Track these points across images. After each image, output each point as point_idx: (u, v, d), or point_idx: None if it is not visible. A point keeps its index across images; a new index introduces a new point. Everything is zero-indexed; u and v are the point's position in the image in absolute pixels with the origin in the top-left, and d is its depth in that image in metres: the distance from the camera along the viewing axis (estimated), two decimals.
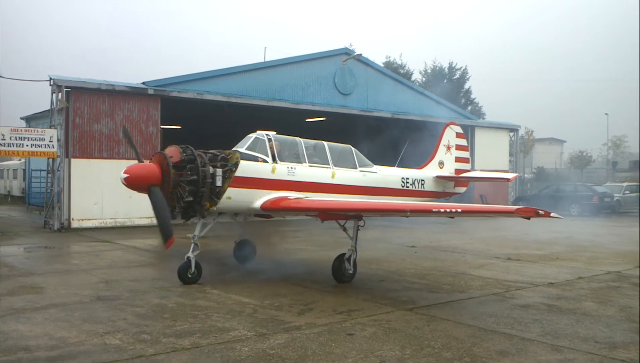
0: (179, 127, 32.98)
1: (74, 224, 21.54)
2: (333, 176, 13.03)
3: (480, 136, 35.15)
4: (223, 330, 7.75)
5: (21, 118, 35.09)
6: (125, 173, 10.26)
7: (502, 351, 7.04)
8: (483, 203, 30.36)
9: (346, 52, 30.00)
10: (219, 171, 11.04)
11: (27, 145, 20.50)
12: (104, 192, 21.69)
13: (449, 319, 8.61)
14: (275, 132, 12.68)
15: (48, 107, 23.30)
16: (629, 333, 8.02)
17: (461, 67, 61.41)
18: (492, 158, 34.50)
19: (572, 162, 69.53)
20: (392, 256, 15.43)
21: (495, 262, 14.52)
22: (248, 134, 12.43)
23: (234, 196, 11.27)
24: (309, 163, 12.66)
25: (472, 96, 61.75)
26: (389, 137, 28.22)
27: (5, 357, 6.55)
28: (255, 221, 14.37)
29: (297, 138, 12.98)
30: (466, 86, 61.34)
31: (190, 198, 10.68)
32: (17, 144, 20.34)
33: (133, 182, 10.37)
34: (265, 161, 11.87)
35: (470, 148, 31.87)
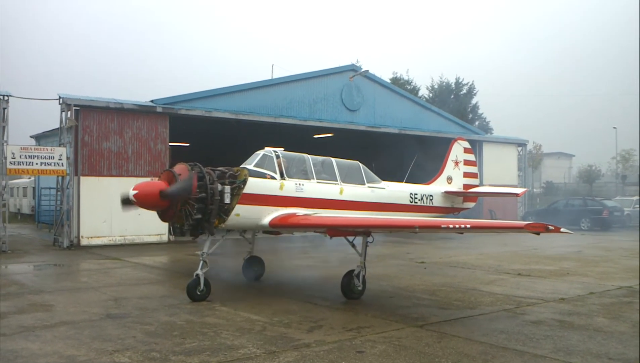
0: (187, 144, 33.13)
1: (83, 241, 21.60)
2: (341, 193, 13.03)
3: (488, 151, 35.09)
4: (232, 348, 7.72)
5: (31, 136, 35.34)
6: (134, 189, 10.29)
7: None
8: (492, 218, 30.23)
9: (353, 69, 30.14)
10: (228, 189, 11.06)
11: (36, 163, 20.60)
12: (113, 209, 21.68)
13: (460, 336, 8.54)
14: (283, 149, 12.70)
15: (57, 126, 23.47)
16: None
17: (468, 83, 61.46)
18: (500, 173, 34.41)
19: (581, 176, 69.18)
20: (401, 272, 15.36)
21: (505, 278, 14.42)
22: (256, 151, 12.47)
23: (242, 213, 11.28)
24: (317, 179, 12.68)
25: (480, 111, 61.73)
26: (396, 153, 28.26)
27: None
28: (263, 237, 14.37)
29: (305, 155, 13.00)
30: (473, 101, 61.33)
31: (199, 216, 10.70)
32: (26, 162, 20.44)
33: (142, 199, 10.40)
34: (273, 177, 11.89)
35: (479, 163, 31.81)
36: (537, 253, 20.39)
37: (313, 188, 12.49)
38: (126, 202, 10.65)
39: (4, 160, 20.09)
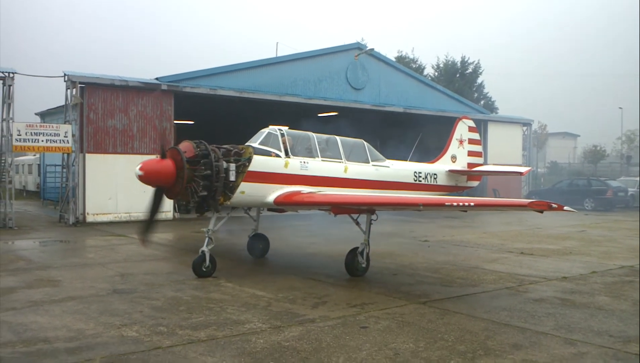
0: (192, 122, 33.13)
1: (89, 218, 21.75)
2: (345, 171, 13.08)
3: (493, 131, 35.03)
4: (238, 323, 7.84)
5: (36, 114, 35.39)
6: (140, 169, 10.35)
7: (516, 344, 7.07)
8: (496, 197, 30.25)
9: (358, 47, 30.00)
10: (233, 166, 11.12)
11: (42, 140, 20.68)
12: (118, 187, 21.89)
13: (463, 313, 8.64)
14: (287, 127, 12.73)
15: (62, 103, 23.49)
16: None
17: (474, 62, 61.05)
18: (505, 153, 34.35)
19: (585, 156, 69.02)
20: (404, 250, 15.47)
21: (508, 256, 14.51)
22: (260, 129, 12.50)
23: (247, 190, 11.36)
24: (321, 157, 12.72)
25: (485, 91, 61.41)
26: (401, 131, 28.22)
27: (26, 347, 6.67)
28: (268, 215, 14.46)
29: (310, 133, 13.03)
30: (479, 81, 60.98)
31: (204, 193, 10.77)
32: (32, 139, 20.52)
33: (148, 177, 10.48)
34: (278, 155, 11.93)
35: (483, 142, 31.75)
36: (540, 232, 20.46)
37: (318, 166, 12.54)
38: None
39: (9, 137, 20.17)
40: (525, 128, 37.93)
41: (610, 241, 18.12)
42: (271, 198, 11.72)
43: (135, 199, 21.77)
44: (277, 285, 10.46)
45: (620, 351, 6.89)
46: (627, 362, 6.53)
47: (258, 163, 11.47)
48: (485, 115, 36.35)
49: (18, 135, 20.20)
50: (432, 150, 18.63)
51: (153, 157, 11.26)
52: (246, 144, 12.00)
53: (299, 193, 11.85)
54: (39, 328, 7.49)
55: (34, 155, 37.86)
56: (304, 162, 12.32)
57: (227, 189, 11.10)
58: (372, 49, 29.72)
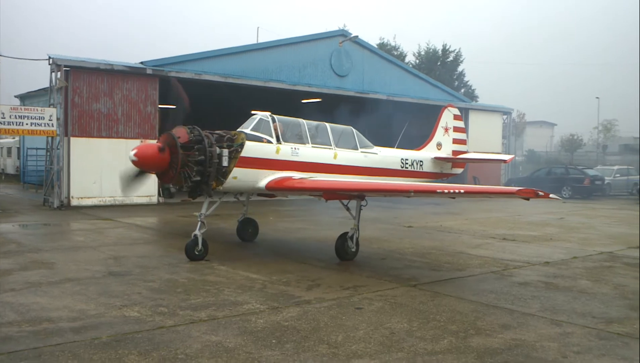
0: (175, 106, 32.97)
1: (74, 202, 21.72)
2: (335, 157, 13.30)
3: (474, 119, 35.47)
4: (236, 304, 8.06)
5: (15, 96, 35.02)
6: (134, 154, 10.46)
7: (505, 325, 7.39)
8: (476, 184, 30.72)
9: (342, 34, 30.13)
10: (225, 152, 11.27)
11: (26, 123, 20.56)
12: (103, 170, 21.86)
13: (452, 295, 8.96)
14: (270, 113, 12.87)
15: (43, 86, 23.33)
16: (623, 309, 8.40)
17: (455, 50, 61.54)
18: (485, 141, 34.82)
19: (562, 145, 70.10)
20: (390, 236, 15.78)
21: (491, 242, 14.89)
22: (244, 115, 12.62)
23: (239, 175, 11.53)
24: (311, 143, 12.92)
25: (466, 79, 61.99)
26: (384, 118, 28.48)
27: (32, 327, 6.82)
28: (257, 200, 14.63)
29: (300, 119, 13.22)
30: (460, 69, 61.51)
31: (198, 178, 10.91)
32: (16, 123, 20.40)
33: (142, 162, 10.60)
34: (269, 141, 12.11)
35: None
36: (521, 219, 20.94)
37: (308, 152, 12.75)
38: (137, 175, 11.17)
39: None
40: (505, 117, 38.46)
41: (588, 228, 18.63)
42: (263, 183, 11.91)
43: (119, 183, 21.78)
44: (269, 268, 10.68)
45: (603, 331, 7.25)
46: (610, 340, 6.88)
47: (250, 149, 11.65)
48: (466, 103, 36.77)
49: (2, 118, 20.08)
50: (414, 137, 18.89)
51: (138, 142, 11.35)
52: (238, 130, 12.14)
53: (290, 178, 12.05)
54: (40, 309, 7.63)
55: (13, 138, 37.48)
56: (295, 148, 12.52)
57: (220, 175, 11.26)
58: (357, 36, 29.89)
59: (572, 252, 13.49)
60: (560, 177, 35.09)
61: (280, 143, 12.29)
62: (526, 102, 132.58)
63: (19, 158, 36.76)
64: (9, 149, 40.33)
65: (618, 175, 38.13)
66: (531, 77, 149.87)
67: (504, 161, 21.12)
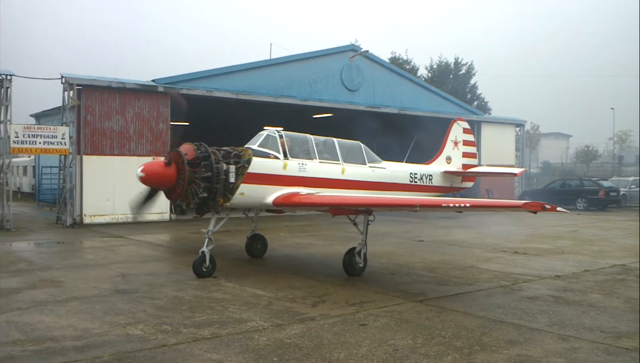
0: (187, 124, 33.23)
1: (86, 220, 21.88)
2: (343, 172, 13.28)
3: (486, 132, 35.37)
4: (240, 321, 8.03)
5: (31, 115, 35.43)
6: (141, 171, 10.52)
7: (511, 340, 7.29)
8: (489, 198, 30.56)
9: (353, 49, 30.25)
10: (232, 168, 11.30)
11: (39, 142, 20.78)
12: (116, 188, 22.02)
13: (459, 310, 8.87)
14: (282, 129, 12.91)
15: (57, 105, 23.61)
16: (633, 323, 8.25)
17: (467, 63, 61.50)
18: (498, 153, 34.72)
19: (578, 156, 69.54)
20: (401, 250, 15.69)
21: (502, 256, 14.75)
22: (256, 131, 12.68)
23: (247, 192, 11.54)
24: (319, 159, 12.92)
25: (478, 92, 61.84)
26: (395, 133, 28.48)
27: (35, 346, 6.84)
28: (268, 215, 14.63)
29: (308, 135, 13.23)
30: (472, 82, 61.41)
31: (205, 194, 10.94)
32: (30, 141, 20.62)
33: (149, 179, 10.65)
34: (277, 157, 12.13)
35: (477, 143, 31.90)
36: (534, 232, 20.74)
37: (315, 168, 12.75)
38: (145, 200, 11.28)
39: (7, 139, 20.28)
40: (518, 129, 38.29)
41: (602, 240, 18.40)
42: (270, 199, 11.91)
43: (130, 210, 21.95)
44: (276, 285, 10.66)
45: (612, 346, 7.12)
46: (618, 356, 6.75)
47: (257, 165, 11.66)
48: (478, 116, 36.68)
49: (16, 137, 20.29)
50: (427, 151, 18.84)
51: (150, 159, 11.42)
52: (245, 146, 12.18)
53: (297, 194, 12.04)
54: (45, 328, 7.66)
55: (29, 157, 37.87)
56: (302, 164, 12.52)
57: (227, 191, 11.27)
58: (367, 51, 29.97)
59: (584, 265, 13.31)
60: (574, 189, 34.79)
61: (288, 159, 12.29)
62: (541, 114, 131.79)
63: (34, 176, 37.13)
64: (25, 168, 40.76)
65: (634, 186, 37.69)
66: (545, 88, 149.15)
67: (514, 174, 20.94)
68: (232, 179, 11.26)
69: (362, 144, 14.24)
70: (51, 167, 29.42)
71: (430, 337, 7.40)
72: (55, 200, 24.89)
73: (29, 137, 20.60)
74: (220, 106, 27.96)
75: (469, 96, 58.92)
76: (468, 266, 13.15)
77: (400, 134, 26.47)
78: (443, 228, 21.77)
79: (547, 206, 8.92)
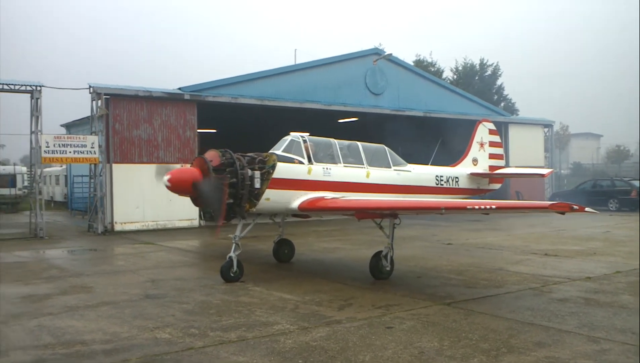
0: (215, 131, 33.58)
1: (117, 227, 22.22)
2: (367, 176, 13.27)
3: (514, 133, 35.02)
4: (267, 324, 8.08)
5: (61, 125, 36.10)
6: (168, 181, 10.65)
7: (539, 342, 7.20)
8: (519, 200, 30.21)
9: (376, 52, 30.23)
10: (257, 174, 11.39)
11: (70, 152, 21.19)
12: (145, 196, 22.32)
13: (487, 313, 8.79)
14: (308, 134, 12.97)
15: (87, 114, 24.04)
16: None
17: (492, 64, 60.92)
18: (526, 155, 34.34)
19: (609, 157, 68.36)
20: (428, 253, 15.60)
21: (532, 258, 14.57)
22: (282, 136, 12.76)
23: (272, 197, 11.61)
24: (343, 163, 12.93)
25: (505, 93, 61.20)
26: (421, 136, 28.37)
27: (65, 349, 6.97)
28: (292, 221, 14.69)
29: (332, 139, 13.25)
30: (498, 83, 60.80)
31: (231, 200, 11.03)
32: (60, 151, 21.03)
33: (175, 186, 10.78)
34: (301, 162, 12.17)
35: (505, 144, 31.75)
36: (565, 233, 20.44)
37: (340, 172, 12.76)
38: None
39: (38, 149, 20.71)
40: (546, 130, 37.80)
41: (634, 241, 18.03)
42: (295, 204, 11.96)
43: (161, 208, 22.28)
44: (303, 289, 10.69)
45: None
46: None
47: (282, 170, 11.73)
48: (505, 117, 36.33)
49: (46, 147, 20.73)
50: (454, 153, 18.71)
51: (178, 166, 11.54)
52: (270, 151, 12.26)
53: (322, 198, 12.06)
54: (75, 332, 7.80)
55: (61, 166, 38.61)
56: (327, 168, 12.54)
57: (252, 196, 11.36)
58: (391, 54, 29.92)
59: (615, 266, 13.08)
60: (606, 190, 34.17)
61: (312, 164, 12.33)
62: (570, 114, 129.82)
63: (66, 185, 37.84)
64: (57, 177, 41.55)
65: None
66: (574, 89, 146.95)
67: (542, 175, 20.67)
68: (257, 185, 11.35)
69: (386, 148, 14.21)
70: (82, 176, 29.96)
71: (456, 339, 7.35)
72: (87, 208, 25.31)
73: (60, 146, 21.01)
74: (246, 112, 28.19)
75: (495, 97, 58.33)
76: (497, 268, 13.02)
77: (426, 137, 26.34)
78: (472, 231, 21.59)
79: (575, 207, 8.80)
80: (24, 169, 38.12)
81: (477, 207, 9.80)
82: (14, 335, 7.71)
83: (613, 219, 26.07)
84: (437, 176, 15.31)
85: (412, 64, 47.49)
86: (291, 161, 12.06)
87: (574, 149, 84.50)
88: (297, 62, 33.62)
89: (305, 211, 12.17)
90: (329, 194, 12.28)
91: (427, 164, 15.87)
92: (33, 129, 20.87)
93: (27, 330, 7.95)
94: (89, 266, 14.20)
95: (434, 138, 19.34)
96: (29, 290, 10.81)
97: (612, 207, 32.49)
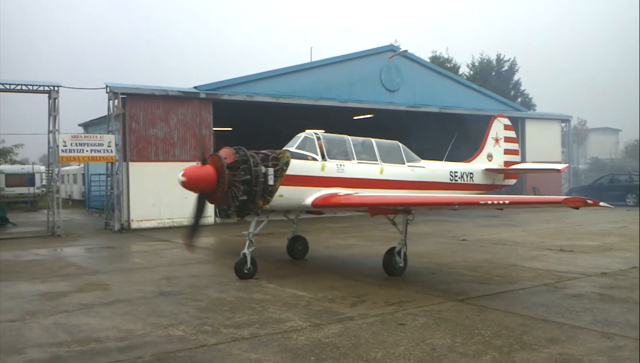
0: (230, 129, 33.70)
1: (134, 225, 22.40)
2: (381, 172, 13.27)
3: (531, 128, 34.71)
4: (280, 321, 8.12)
5: (79, 125, 36.45)
6: (182, 176, 10.73)
7: (552, 338, 7.17)
8: (535, 195, 29.97)
9: (391, 49, 30.11)
10: (271, 171, 11.43)
11: (87, 150, 21.39)
12: (161, 193, 22.47)
13: (500, 309, 8.75)
14: (323, 131, 12.99)
15: (104, 114, 24.26)
16: None
17: (509, 59, 60.41)
18: (543, 150, 34.04)
19: (627, 151, 67.53)
20: (443, 249, 15.55)
21: (547, 254, 14.48)
22: (297, 134, 12.79)
23: (285, 194, 11.65)
24: (357, 159, 12.94)
25: (522, 88, 60.67)
26: (437, 132, 28.25)
27: (80, 347, 7.07)
28: (306, 217, 14.71)
29: (345, 136, 13.26)
30: (515, 78, 60.29)
31: (245, 197, 11.08)
32: (77, 150, 21.24)
33: (190, 183, 10.85)
34: (315, 159, 12.20)
35: (521, 140, 31.55)
36: (581, 229, 20.27)
37: (354, 168, 12.77)
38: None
39: (56, 148, 20.94)
40: (564, 125, 37.45)
41: None
42: (309, 200, 11.99)
43: (177, 205, 22.40)
44: (316, 285, 10.72)
45: None
46: None
47: (295, 167, 11.76)
48: (522, 113, 36.05)
49: (64, 146, 20.94)
50: (470, 149, 18.61)
51: (193, 164, 11.59)
52: (283, 148, 12.30)
53: (335, 195, 12.09)
54: (90, 329, 7.89)
55: (79, 165, 39.01)
56: (340, 165, 12.56)
57: (266, 193, 11.40)
58: (406, 51, 29.78)
59: (631, 262, 12.95)
60: (624, 184, 33.78)
61: (326, 160, 12.35)
62: (588, 108, 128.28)
63: (83, 184, 38.22)
64: (75, 176, 41.96)
65: None
66: (591, 83, 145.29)
67: (558, 170, 20.46)
68: (271, 182, 11.39)
69: (400, 144, 14.19)
70: (99, 174, 30.23)
71: (469, 335, 7.34)
72: (104, 206, 25.56)
73: (77, 146, 21.22)
74: (261, 110, 28.25)
75: (512, 92, 57.85)
76: (511, 264, 12.95)
77: (442, 133, 26.22)
78: (487, 227, 21.48)
79: (589, 202, 8.72)
80: (43, 168, 38.55)
81: (490, 202, 9.76)
82: (30, 332, 7.82)
83: (630, 215, 25.77)
84: (451, 172, 15.26)
85: (429, 60, 47.31)
86: (305, 157, 12.08)
87: (592, 144, 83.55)
88: (313, 60, 33.63)
89: (319, 207, 12.20)
90: (342, 191, 12.30)
91: (442, 160, 15.82)
92: (51, 129, 21.10)
93: (44, 327, 8.06)
94: (105, 263, 14.35)
95: (450, 134, 19.24)
96: (45, 288, 10.96)
97: (629, 202, 32.11)
